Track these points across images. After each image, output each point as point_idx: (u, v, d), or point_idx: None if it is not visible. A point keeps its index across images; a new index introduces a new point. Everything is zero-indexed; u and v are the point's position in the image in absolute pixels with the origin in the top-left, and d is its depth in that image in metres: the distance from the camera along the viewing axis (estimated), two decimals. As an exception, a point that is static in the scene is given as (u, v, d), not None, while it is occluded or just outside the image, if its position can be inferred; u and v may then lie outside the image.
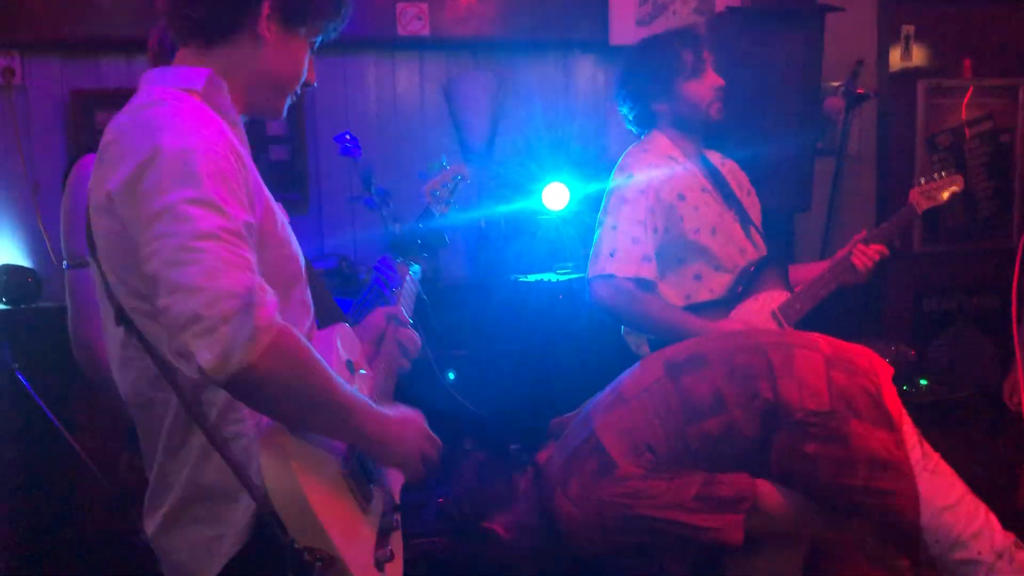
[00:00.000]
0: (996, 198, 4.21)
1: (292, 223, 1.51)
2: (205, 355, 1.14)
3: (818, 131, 3.27)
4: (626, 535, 1.87)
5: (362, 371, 1.62)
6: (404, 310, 1.92)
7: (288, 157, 3.36)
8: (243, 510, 1.34)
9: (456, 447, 3.23)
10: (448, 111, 3.56)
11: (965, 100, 4.12)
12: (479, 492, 2.20)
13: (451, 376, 2.96)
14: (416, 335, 1.86)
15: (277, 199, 1.48)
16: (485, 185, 3.52)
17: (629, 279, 2.36)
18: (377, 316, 1.85)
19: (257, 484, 1.31)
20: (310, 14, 1.46)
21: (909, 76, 4.04)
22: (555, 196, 3.37)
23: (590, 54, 3.74)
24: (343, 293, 3.05)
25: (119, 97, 2.80)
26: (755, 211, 2.66)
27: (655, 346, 2.48)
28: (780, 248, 2.64)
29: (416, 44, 3.51)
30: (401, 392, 1.81)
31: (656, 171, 2.46)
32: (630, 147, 2.58)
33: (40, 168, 3.13)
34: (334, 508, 1.34)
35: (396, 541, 1.52)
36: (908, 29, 4.01)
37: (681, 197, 2.47)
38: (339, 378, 1.31)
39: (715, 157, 2.64)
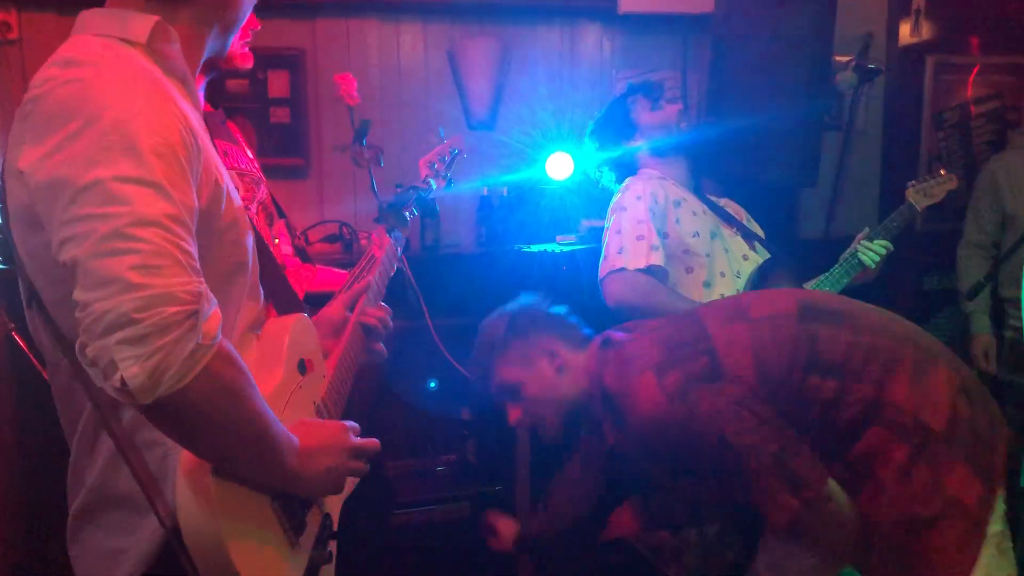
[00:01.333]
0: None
1: (291, 189, 1.41)
2: (132, 370, 0.95)
3: (826, 105, 3.23)
4: (695, 456, 1.75)
5: (315, 371, 1.48)
6: (379, 281, 1.81)
7: (289, 120, 3.30)
8: (152, 529, 1.19)
9: (456, 416, 3.22)
10: (452, 77, 3.51)
11: (971, 77, 4.09)
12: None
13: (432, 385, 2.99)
14: (384, 311, 1.77)
15: (277, 165, 1.39)
16: (488, 153, 3.48)
17: (641, 270, 2.37)
18: (334, 307, 1.72)
19: (168, 503, 1.15)
20: None
21: (918, 52, 4.00)
22: (559, 166, 3.33)
23: (596, 21, 3.68)
24: (344, 260, 3.02)
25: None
26: (756, 230, 2.73)
27: None
28: (785, 223, 2.64)
29: (420, 8, 3.45)
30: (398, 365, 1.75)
31: (652, 184, 2.55)
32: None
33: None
34: (255, 550, 1.18)
35: (327, 575, 1.41)
36: (918, 4, 3.96)
37: (678, 204, 2.53)
38: (268, 411, 1.14)
39: (710, 190, 2.74)
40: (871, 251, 2.54)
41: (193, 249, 1.04)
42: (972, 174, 3.96)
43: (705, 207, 2.60)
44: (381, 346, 1.75)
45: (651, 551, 3.06)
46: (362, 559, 1.39)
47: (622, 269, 2.39)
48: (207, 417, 1.04)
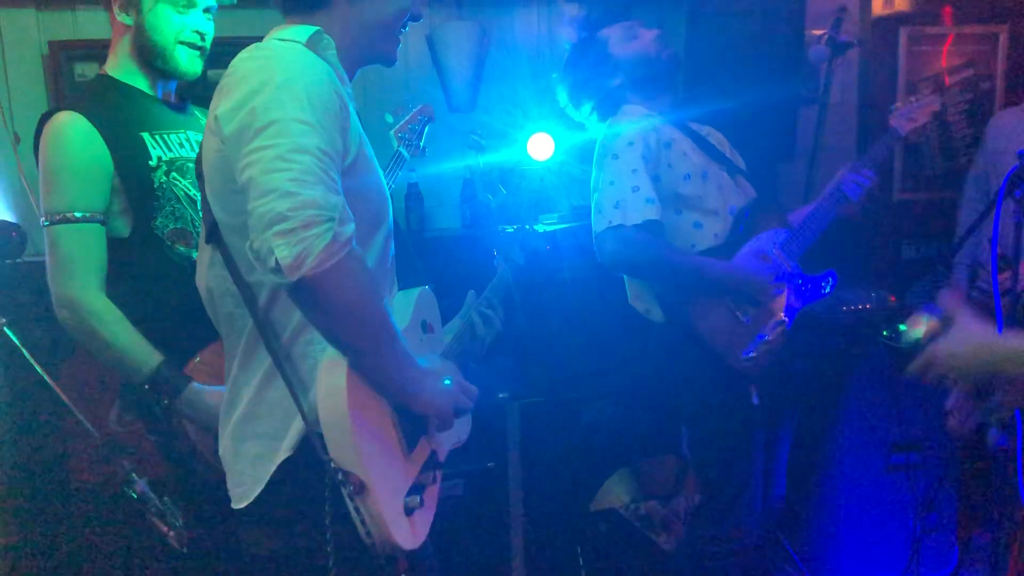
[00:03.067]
0: (975, 146, 4.24)
1: None
2: (284, 252, 1.23)
3: (801, 80, 3.27)
4: None
5: (435, 334, 1.71)
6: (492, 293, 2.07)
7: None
8: (296, 427, 1.44)
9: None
10: (431, 60, 3.53)
11: (945, 47, 4.13)
12: None
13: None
14: (499, 310, 2.02)
15: None
16: (469, 135, 3.51)
17: (638, 225, 2.36)
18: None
19: (310, 404, 1.40)
20: None
21: (891, 23, 4.04)
22: (540, 146, 3.37)
23: (574, 2, 3.70)
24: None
25: (98, 47, 2.79)
26: (739, 163, 2.69)
27: (666, 309, 2.51)
28: (766, 196, 2.67)
29: (398, -8, 3.46)
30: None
31: (639, 124, 2.50)
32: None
33: (20, 121, 3.08)
34: (375, 443, 1.42)
35: (430, 496, 1.60)
36: (891, -25, 4.00)
37: (668, 144, 2.49)
38: (393, 320, 1.41)
39: (693, 124, 2.67)
40: (855, 182, 2.55)
41: (337, 177, 1.32)
42: (947, 142, 4.02)
43: (693, 144, 2.55)
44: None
45: (641, 520, 3.13)
46: (358, 539, 1.45)
47: (620, 227, 2.36)
48: (340, 300, 1.31)
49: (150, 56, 2.07)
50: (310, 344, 1.44)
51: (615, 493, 3.19)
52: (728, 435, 2.54)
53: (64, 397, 2.77)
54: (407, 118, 2.46)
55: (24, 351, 2.73)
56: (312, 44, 1.47)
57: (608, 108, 2.61)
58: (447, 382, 1.56)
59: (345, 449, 1.36)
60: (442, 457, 1.68)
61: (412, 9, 1.60)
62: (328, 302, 1.31)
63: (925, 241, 4.19)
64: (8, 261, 3.06)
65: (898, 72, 4.08)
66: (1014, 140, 3.24)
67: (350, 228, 1.31)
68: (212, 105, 1.43)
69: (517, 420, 3.05)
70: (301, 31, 1.49)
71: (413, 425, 1.54)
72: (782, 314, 2.50)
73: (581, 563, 3.20)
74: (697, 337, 2.45)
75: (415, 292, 1.67)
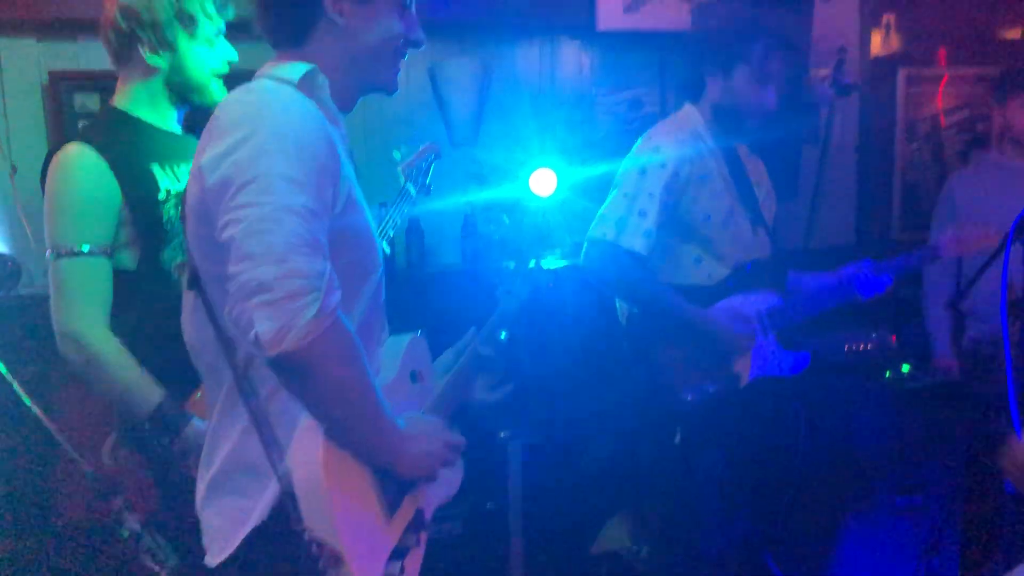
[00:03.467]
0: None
1: None
2: (265, 325, 1.18)
3: (805, 120, 3.29)
4: None
5: (425, 384, 1.64)
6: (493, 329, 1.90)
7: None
8: (272, 491, 1.38)
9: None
10: (434, 95, 3.53)
11: (940, 88, 4.17)
12: None
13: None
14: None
15: None
16: (471, 171, 3.50)
17: (628, 251, 2.38)
18: (445, 355, 1.84)
19: (286, 468, 1.34)
20: None
21: (890, 65, 4.08)
22: (542, 182, 3.35)
23: (576, 39, 3.72)
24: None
25: (98, 79, 2.76)
26: (769, 211, 2.66)
27: (635, 319, 2.51)
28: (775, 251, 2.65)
29: (401, 27, 3.46)
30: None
31: (681, 148, 2.45)
32: (661, 121, 2.58)
33: (18, 152, 3.05)
34: (353, 511, 1.36)
35: (413, 559, 1.53)
36: (888, 18, 4.04)
37: (701, 180, 2.47)
38: (377, 389, 1.34)
39: (742, 150, 2.64)
40: (871, 285, 2.55)
41: (324, 239, 1.26)
42: (944, 182, 4.03)
43: (730, 182, 2.52)
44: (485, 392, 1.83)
45: (642, 563, 3.09)
46: None
47: (613, 244, 2.38)
48: (322, 376, 1.25)
49: (187, 92, 2.07)
50: (290, 402, 1.36)
51: (616, 535, 3.15)
52: (661, 465, 2.57)
53: (54, 431, 2.73)
54: (415, 155, 2.44)
55: (14, 384, 2.70)
56: (305, 84, 1.41)
57: (687, 87, 2.55)
58: (432, 439, 1.48)
59: (320, 520, 1.30)
60: (429, 515, 1.62)
61: (409, 35, 1.51)
62: (309, 377, 1.25)
63: (920, 279, 4.19)
64: (1, 293, 3.02)
65: (896, 112, 4.11)
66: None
67: (336, 297, 1.25)
68: (198, 148, 1.37)
69: (518, 460, 3.01)
70: (294, 69, 1.43)
71: (396, 486, 1.48)
72: (737, 374, 2.49)
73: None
74: (645, 356, 2.46)
75: (405, 339, 1.60)
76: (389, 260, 2.48)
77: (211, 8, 2.04)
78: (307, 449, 1.31)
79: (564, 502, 3.12)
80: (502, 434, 2.92)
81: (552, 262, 3.28)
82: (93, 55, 3.13)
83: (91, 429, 2.54)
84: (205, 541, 1.48)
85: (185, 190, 1.44)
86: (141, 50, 2.01)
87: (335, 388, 1.28)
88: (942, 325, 3.48)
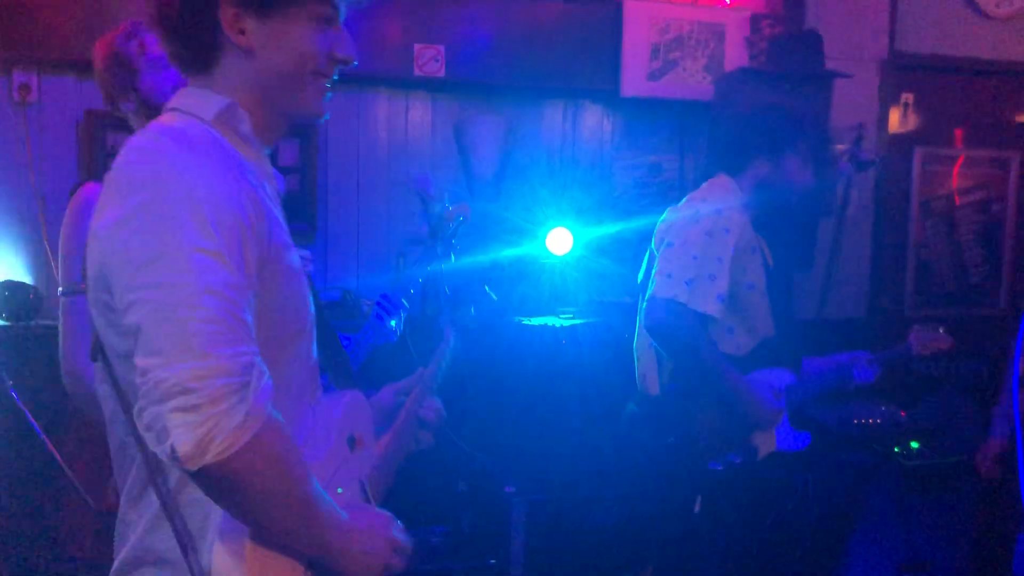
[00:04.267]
0: (986, 265, 4.29)
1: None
2: (183, 437, 1.00)
3: (822, 193, 3.33)
4: None
5: (364, 449, 1.47)
6: (437, 373, 1.79)
7: (298, 187, 3.38)
8: None
9: (452, 487, 3.22)
10: (457, 151, 3.60)
11: (956, 168, 4.22)
12: None
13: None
14: (439, 405, 1.73)
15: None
16: (490, 228, 3.54)
17: (699, 314, 2.38)
18: (385, 395, 1.71)
19: (204, 563, 1.16)
20: None
21: (907, 142, 4.13)
22: (559, 241, 3.40)
23: (598, 104, 3.80)
24: (345, 326, 3.05)
25: (132, 119, 2.78)
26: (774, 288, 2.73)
27: (665, 383, 2.53)
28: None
29: (430, 84, 3.55)
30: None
31: (740, 216, 2.50)
32: (708, 185, 2.61)
33: (49, 185, 3.13)
34: None
35: None
36: (907, 98, 4.11)
37: (753, 250, 2.52)
38: (315, 483, 1.16)
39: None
40: (865, 374, 2.67)
41: (249, 318, 1.09)
42: (958, 261, 4.07)
43: (763, 260, 2.57)
44: (430, 436, 1.72)
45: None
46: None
47: (683, 304, 2.36)
48: (252, 486, 1.07)
49: None
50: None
51: (618, 598, 3.12)
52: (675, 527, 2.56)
53: (64, 465, 2.74)
54: (443, 216, 2.48)
55: (28, 414, 2.72)
56: (222, 121, 1.24)
57: (731, 161, 2.60)
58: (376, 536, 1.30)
59: None
60: None
61: (334, 52, 1.31)
62: (236, 491, 1.07)
63: (933, 357, 4.19)
64: (22, 324, 3.06)
65: (912, 189, 4.16)
66: None
67: (266, 389, 1.07)
68: (100, 203, 1.16)
69: (523, 516, 3.00)
70: (207, 102, 1.25)
71: None
72: (758, 446, 2.52)
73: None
74: (683, 421, 2.47)
75: (341, 400, 1.43)
76: (409, 314, 2.49)
77: None
78: (230, 556, 1.14)
79: (567, 560, 3.09)
80: (508, 489, 2.92)
81: (567, 320, 3.31)
82: (129, 96, 3.21)
83: (101, 465, 2.56)
84: None
85: (86, 248, 1.23)
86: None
87: (266, 499, 1.09)
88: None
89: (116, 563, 1.29)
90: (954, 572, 3.14)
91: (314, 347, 1.37)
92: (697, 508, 2.45)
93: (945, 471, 3.28)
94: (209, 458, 1.01)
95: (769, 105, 2.71)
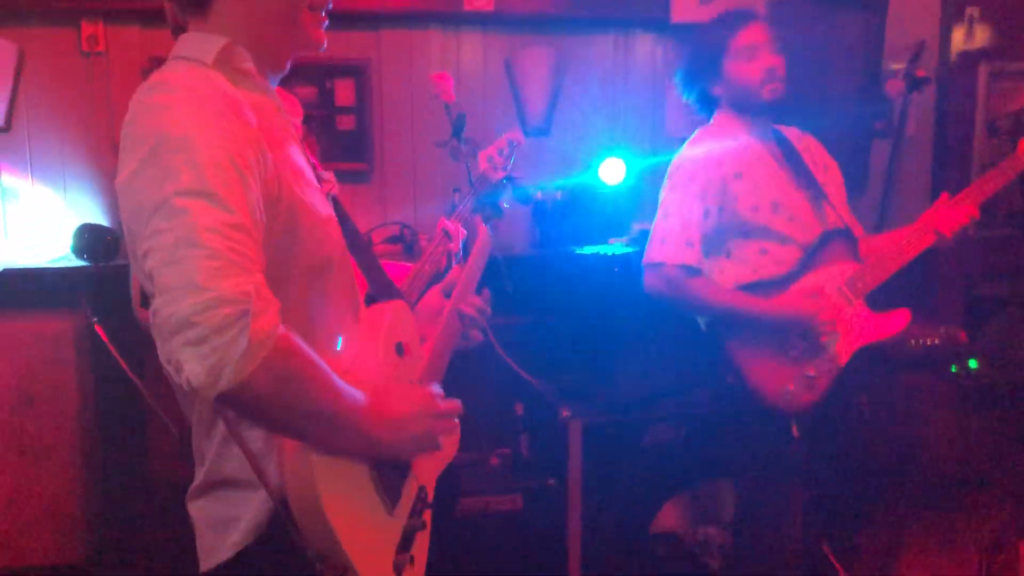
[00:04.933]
0: (1049, 184, 4.17)
1: (356, 193, 1.43)
2: (194, 368, 1.04)
3: (877, 113, 3.28)
4: None
5: (412, 354, 1.54)
6: (475, 270, 1.83)
7: (355, 127, 3.46)
8: (261, 502, 1.28)
9: (510, 412, 3.33)
10: (508, 85, 3.63)
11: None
12: None
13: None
14: (483, 302, 1.79)
15: (343, 169, 1.43)
16: (543, 159, 3.59)
17: (676, 266, 2.46)
18: (432, 294, 1.79)
19: (275, 480, 1.24)
20: None
21: (971, 59, 4.01)
22: (612, 170, 3.43)
23: (650, 32, 3.78)
24: (405, 259, 3.15)
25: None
26: (834, 186, 2.68)
27: (711, 323, 2.56)
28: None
29: (481, 19, 3.58)
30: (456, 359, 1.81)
31: (713, 149, 2.52)
32: (697, 129, 2.64)
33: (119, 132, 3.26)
34: (354, 517, 1.29)
35: (421, 543, 1.49)
36: (972, 11, 3.97)
37: (738, 176, 2.51)
38: (342, 385, 1.23)
39: (792, 132, 2.68)
40: (953, 219, 2.51)
41: (250, 251, 1.12)
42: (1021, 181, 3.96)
43: (776, 166, 2.56)
44: (478, 333, 1.78)
45: (699, 545, 3.14)
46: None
47: (660, 264, 2.47)
48: (275, 405, 1.13)
49: None
50: None
51: (674, 516, 3.21)
52: (769, 467, 2.56)
53: (146, 393, 2.93)
54: (495, 142, 2.53)
55: (111, 347, 2.89)
56: (222, 62, 1.27)
57: (704, 103, 2.64)
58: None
59: (322, 536, 1.22)
60: (431, 489, 1.55)
61: None
62: (260, 410, 1.14)
63: (998, 279, 4.12)
64: (102, 264, 3.23)
65: (976, 107, 4.04)
66: None
67: (273, 314, 1.10)
68: (119, 159, 1.21)
69: (580, 439, 3.09)
70: (206, 44, 1.28)
71: (394, 473, 1.41)
72: (835, 352, 2.50)
73: (637, 585, 3.22)
74: (734, 363, 2.49)
75: (387, 310, 1.48)
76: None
77: None
78: (298, 461, 1.22)
79: (624, 482, 3.18)
80: (564, 413, 3.01)
81: (619, 247, 3.35)
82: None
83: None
84: (197, 543, 1.39)
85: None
86: None
87: (291, 415, 1.17)
88: None
89: (193, 485, 1.39)
90: (1011, 488, 3.14)
91: (348, 271, 1.43)
92: (795, 432, 2.48)
93: (1004, 390, 3.26)
94: (223, 385, 1.05)
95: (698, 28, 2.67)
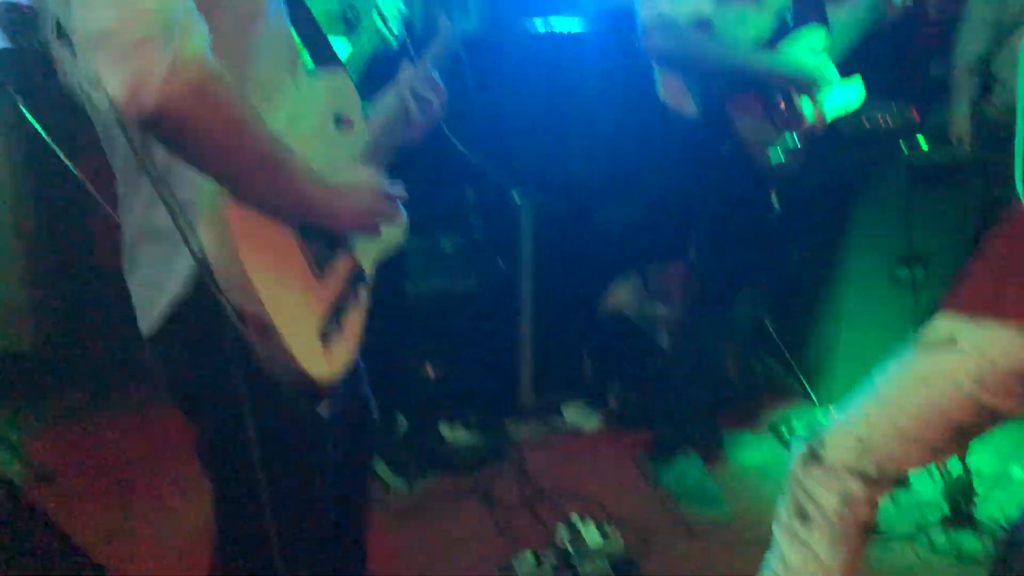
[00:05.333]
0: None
1: None
2: (113, 82, 1.00)
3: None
4: None
5: (355, 129, 1.47)
6: (430, 63, 1.69)
7: None
8: (185, 261, 1.24)
9: (461, 196, 3.28)
10: None
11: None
12: None
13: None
14: (440, 85, 1.67)
15: None
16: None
17: (684, 18, 2.29)
18: (389, 88, 1.65)
19: (198, 239, 1.20)
20: None
21: None
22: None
23: None
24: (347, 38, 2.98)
25: None
26: None
27: (701, 103, 2.48)
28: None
29: None
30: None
31: None
32: None
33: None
34: (275, 272, 1.26)
35: (353, 316, 1.45)
36: None
37: None
38: (272, 134, 1.19)
39: None
40: None
41: None
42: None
43: None
44: (430, 118, 1.67)
45: (645, 323, 3.23)
46: (371, 326, 1.47)
47: (660, 15, 2.27)
48: (196, 131, 1.09)
49: None
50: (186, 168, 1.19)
51: (623, 296, 3.27)
52: (743, 235, 2.60)
53: (83, 178, 2.82)
54: None
55: (38, 127, 2.76)
56: None
57: None
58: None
59: (240, 290, 1.19)
60: (369, 270, 1.51)
61: None
62: (182, 135, 1.09)
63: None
64: (26, 46, 3.03)
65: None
66: None
67: (199, 38, 1.06)
68: None
69: (530, 220, 3.07)
70: None
71: (324, 241, 1.37)
72: (816, 118, 2.49)
73: (587, 362, 3.32)
74: (730, 133, 2.44)
75: (324, 76, 1.42)
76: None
77: None
78: (213, 218, 1.19)
79: (574, 263, 3.20)
80: (514, 194, 2.98)
81: (572, 24, 3.17)
82: None
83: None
84: (136, 312, 1.38)
85: None
86: None
87: (219, 145, 1.13)
88: (964, 87, 3.42)
89: (125, 244, 1.35)
90: (951, 265, 3.22)
91: (284, 20, 1.35)
92: (776, 204, 2.52)
93: (953, 171, 3.28)
94: (143, 101, 1.01)
95: None
